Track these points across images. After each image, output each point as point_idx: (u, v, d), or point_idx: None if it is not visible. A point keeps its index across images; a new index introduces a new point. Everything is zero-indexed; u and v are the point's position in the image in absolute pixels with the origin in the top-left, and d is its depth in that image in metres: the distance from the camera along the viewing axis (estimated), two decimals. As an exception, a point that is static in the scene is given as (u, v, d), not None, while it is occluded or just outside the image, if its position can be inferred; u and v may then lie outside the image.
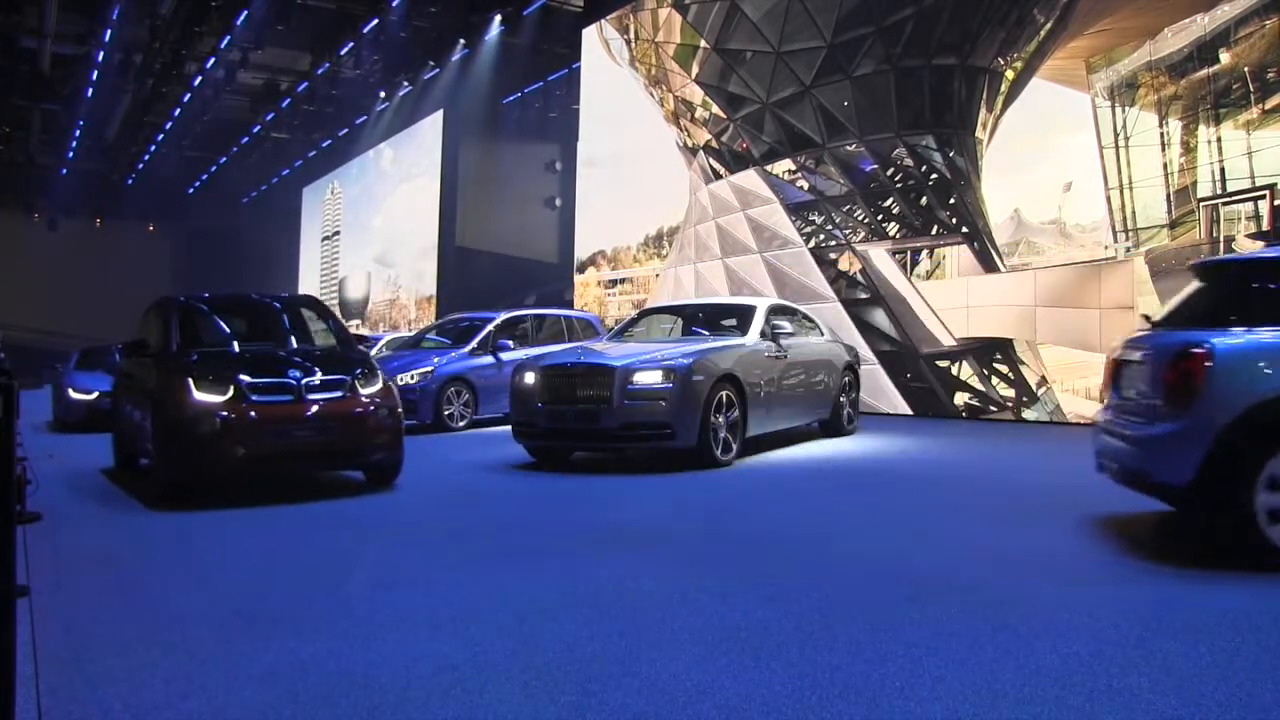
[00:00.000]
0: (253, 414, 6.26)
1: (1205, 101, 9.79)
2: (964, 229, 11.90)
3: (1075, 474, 7.52)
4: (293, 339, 7.71)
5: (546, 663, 3.03)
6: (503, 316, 12.73)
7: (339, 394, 6.57)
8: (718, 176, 15.32)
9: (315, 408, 6.43)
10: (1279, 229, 9.17)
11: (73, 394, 12.68)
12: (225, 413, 6.19)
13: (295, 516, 6.00)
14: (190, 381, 6.30)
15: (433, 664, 3.04)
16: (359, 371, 6.79)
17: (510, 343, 12.25)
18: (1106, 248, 10.57)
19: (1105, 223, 10.60)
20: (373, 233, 28.75)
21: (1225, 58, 9.60)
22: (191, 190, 35.83)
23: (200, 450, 6.18)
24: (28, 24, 19.38)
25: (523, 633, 3.36)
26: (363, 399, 6.64)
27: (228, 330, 7.71)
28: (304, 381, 6.48)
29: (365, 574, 4.40)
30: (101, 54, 20.54)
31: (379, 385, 6.82)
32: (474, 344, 11.98)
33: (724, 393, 7.78)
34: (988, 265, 11.65)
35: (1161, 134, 10.14)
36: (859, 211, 13.16)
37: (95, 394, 12.32)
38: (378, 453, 6.74)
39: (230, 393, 6.25)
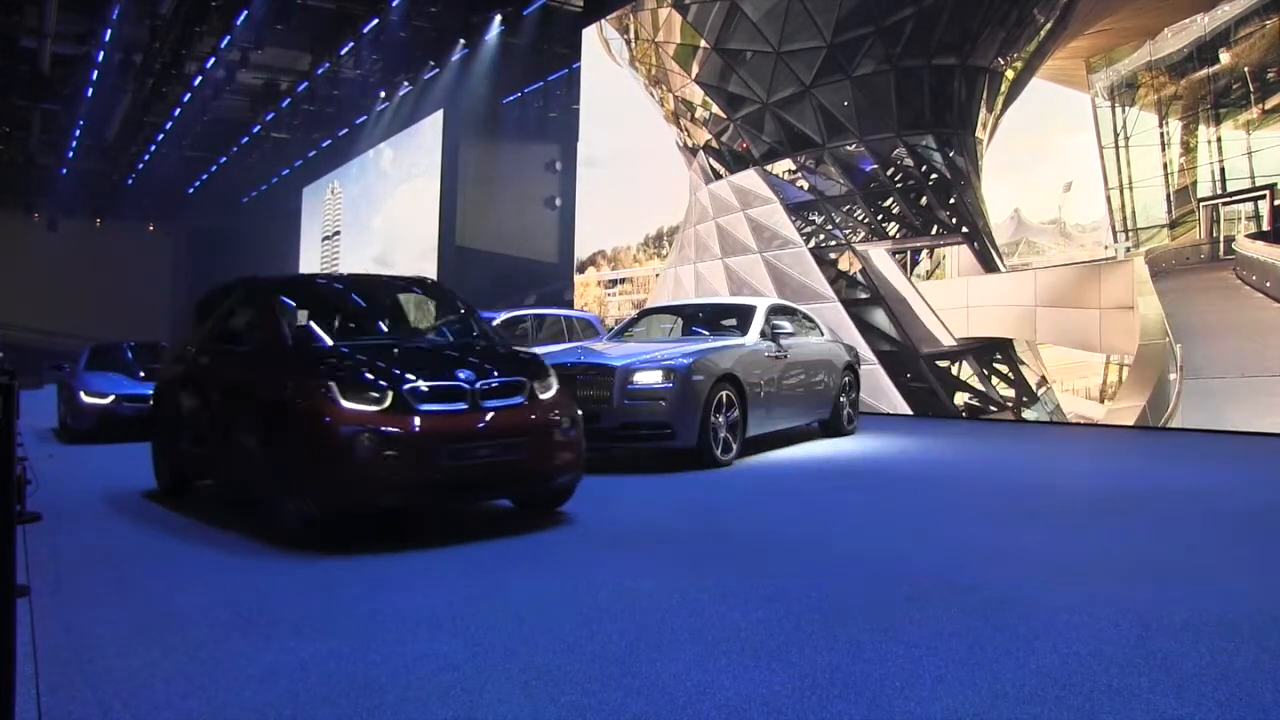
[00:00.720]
0: (421, 428, 4.84)
1: (1205, 101, 9.79)
2: (964, 229, 11.90)
3: (1075, 474, 7.53)
4: (431, 332, 6.36)
5: (546, 663, 3.03)
6: (503, 316, 12.71)
7: (519, 400, 5.23)
8: (718, 176, 15.32)
9: (494, 419, 5.07)
10: (1279, 229, 9.17)
11: (84, 398, 11.15)
12: (385, 427, 4.75)
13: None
14: (334, 386, 4.85)
15: (433, 664, 3.04)
16: (533, 371, 5.49)
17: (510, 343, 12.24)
18: (1106, 248, 10.58)
19: (1105, 223, 10.60)
20: (373, 233, 28.75)
21: (1225, 58, 9.60)
22: (191, 190, 35.82)
23: (353, 478, 4.75)
24: (28, 24, 19.37)
25: (523, 633, 3.36)
26: (544, 405, 5.34)
27: (346, 321, 6.24)
28: (478, 385, 5.10)
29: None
30: (101, 54, 20.54)
31: (556, 388, 5.53)
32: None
33: (724, 393, 7.78)
34: (988, 265, 11.66)
35: (1161, 134, 10.15)
36: (859, 211, 13.16)
37: (110, 398, 11.05)
38: (564, 474, 5.39)
39: (389, 400, 4.84)
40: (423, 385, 4.94)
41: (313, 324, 5.88)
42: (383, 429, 4.74)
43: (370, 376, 4.93)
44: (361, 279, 7.42)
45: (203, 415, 6.10)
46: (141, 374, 11.33)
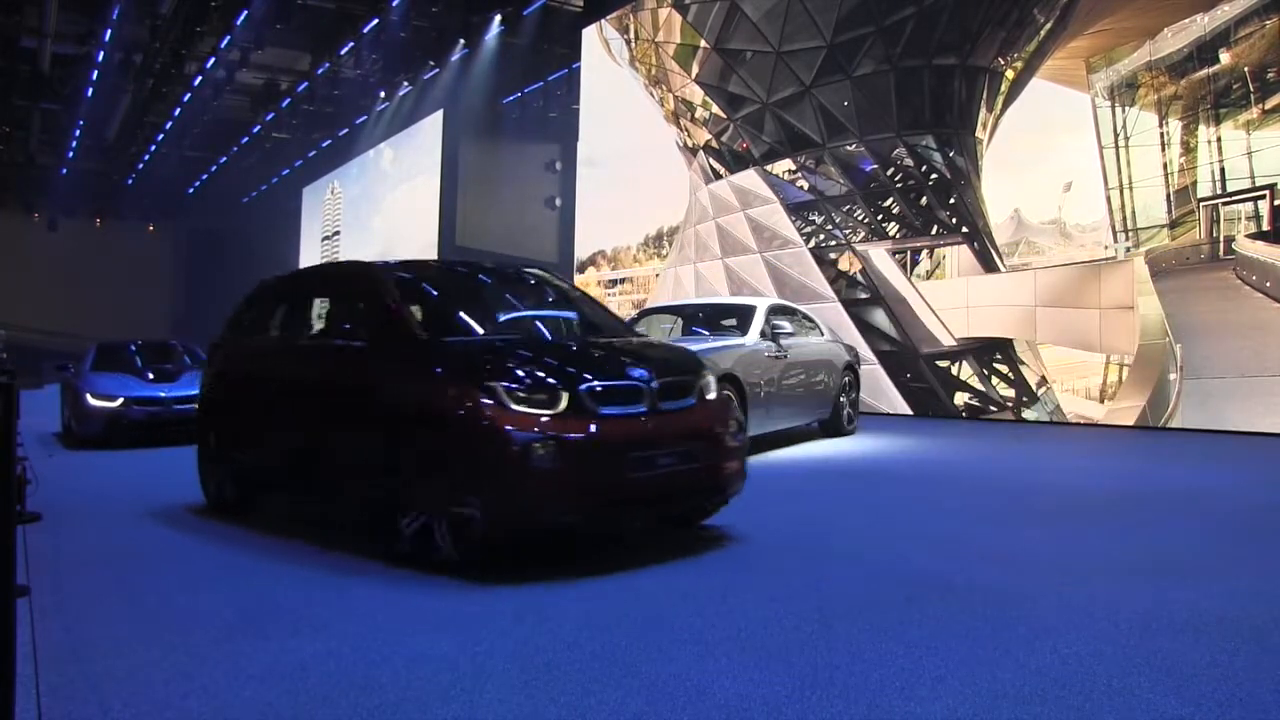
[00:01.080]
0: (602, 434, 4.21)
1: (1205, 101, 9.79)
2: (964, 229, 11.90)
3: (1075, 474, 7.53)
4: (567, 325, 5.62)
5: (546, 663, 3.03)
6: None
7: (691, 401, 4.65)
8: (718, 176, 15.32)
9: (674, 422, 4.48)
10: (1279, 229, 9.17)
11: (91, 401, 10.37)
12: (563, 433, 4.11)
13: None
14: (500, 388, 4.18)
15: (433, 664, 3.04)
16: (698, 367, 4.92)
17: None
18: (1106, 248, 10.58)
19: (1105, 223, 10.60)
20: (373, 233, 28.74)
21: (1225, 58, 9.60)
22: (191, 190, 35.82)
23: (527, 493, 4.11)
24: (28, 24, 19.37)
25: (523, 633, 3.36)
26: (714, 407, 4.80)
27: (470, 312, 5.31)
28: (655, 384, 4.47)
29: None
30: (101, 54, 20.54)
31: (716, 387, 4.97)
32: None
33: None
34: (988, 265, 11.65)
35: (1161, 134, 10.15)
36: (859, 211, 13.16)
37: (119, 400, 10.33)
38: (733, 485, 4.78)
39: (563, 402, 4.21)
40: (598, 385, 4.31)
41: (460, 315, 5.21)
42: (560, 435, 4.08)
43: (541, 375, 4.26)
44: (475, 266, 6.41)
45: (282, 421, 5.45)
46: (150, 374, 10.87)
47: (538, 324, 5.56)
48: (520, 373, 4.27)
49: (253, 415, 5.79)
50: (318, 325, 5.70)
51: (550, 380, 4.25)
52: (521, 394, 4.17)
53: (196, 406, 6.67)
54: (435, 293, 5.48)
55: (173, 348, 12.46)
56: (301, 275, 6.14)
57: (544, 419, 4.12)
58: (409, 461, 4.38)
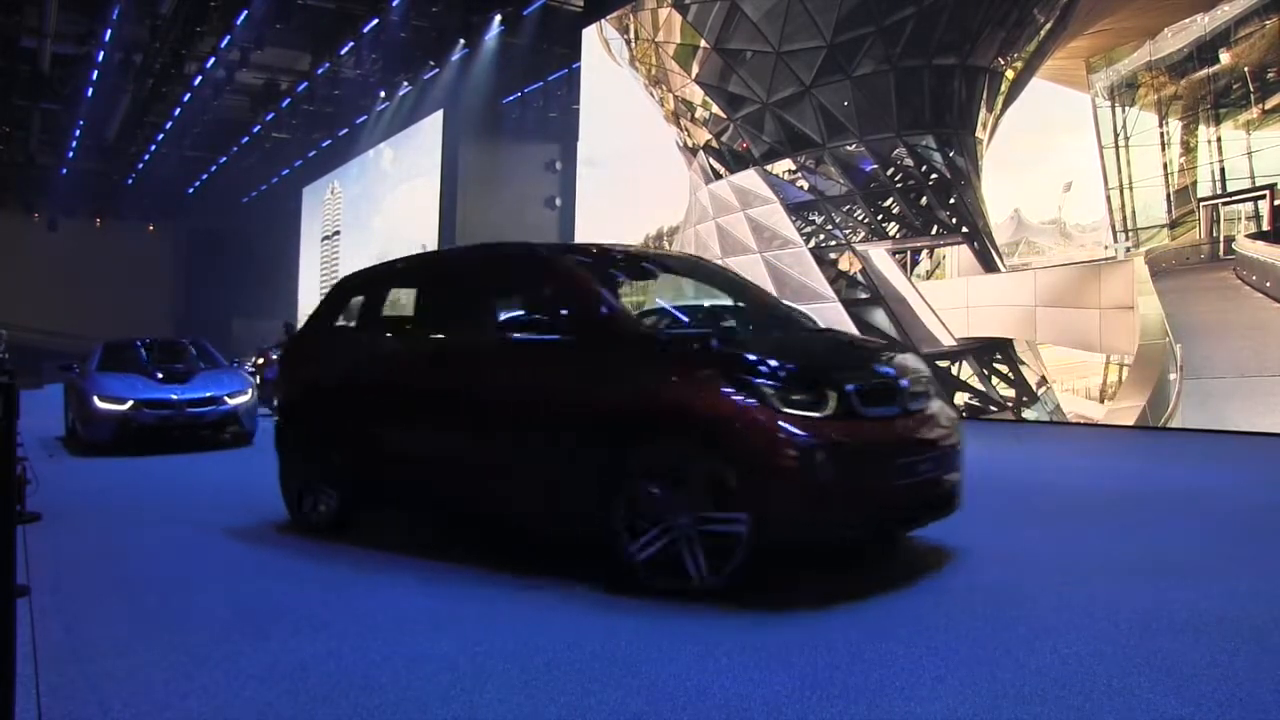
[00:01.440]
0: (873, 438, 3.82)
1: (1205, 101, 9.79)
2: (964, 229, 11.90)
3: (1075, 474, 7.52)
4: (760, 318, 5.03)
5: (546, 663, 3.03)
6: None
7: (930, 403, 4.21)
8: (718, 176, 15.32)
9: (924, 426, 4.07)
10: (1279, 229, 9.17)
11: (99, 403, 9.66)
12: (840, 436, 3.70)
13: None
14: (767, 388, 3.71)
15: (433, 664, 3.04)
16: (926, 368, 4.53)
17: None
18: (1106, 248, 10.58)
19: (1105, 223, 10.60)
20: (373, 233, 28.73)
21: (1225, 58, 9.60)
22: (191, 190, 35.82)
23: (811, 503, 3.66)
24: (28, 24, 19.37)
25: (523, 633, 3.36)
26: (947, 410, 4.38)
27: (676, 305, 4.86)
28: (905, 384, 4.08)
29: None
30: (101, 54, 20.53)
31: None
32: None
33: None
34: (988, 265, 11.65)
35: (1161, 134, 10.15)
36: (859, 211, 13.16)
37: (128, 403, 9.63)
38: (961, 495, 4.30)
39: (833, 403, 3.76)
40: (863, 384, 3.89)
41: (669, 307, 4.68)
42: (839, 439, 3.68)
43: (809, 374, 3.83)
44: (637, 253, 5.55)
45: (424, 428, 4.77)
46: (160, 375, 10.21)
47: (739, 316, 4.91)
48: (785, 372, 3.77)
49: (374, 422, 5.00)
50: (465, 318, 4.93)
51: (817, 380, 3.80)
52: (791, 395, 3.71)
53: (261, 413, 5.81)
54: (631, 282, 4.85)
55: (183, 347, 11.90)
56: (434, 262, 5.39)
57: (819, 422, 3.68)
58: (642, 474, 3.80)
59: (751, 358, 3.83)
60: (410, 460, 4.87)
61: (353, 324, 5.56)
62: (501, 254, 5.12)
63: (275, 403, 6.19)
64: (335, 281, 6.23)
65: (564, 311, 4.35)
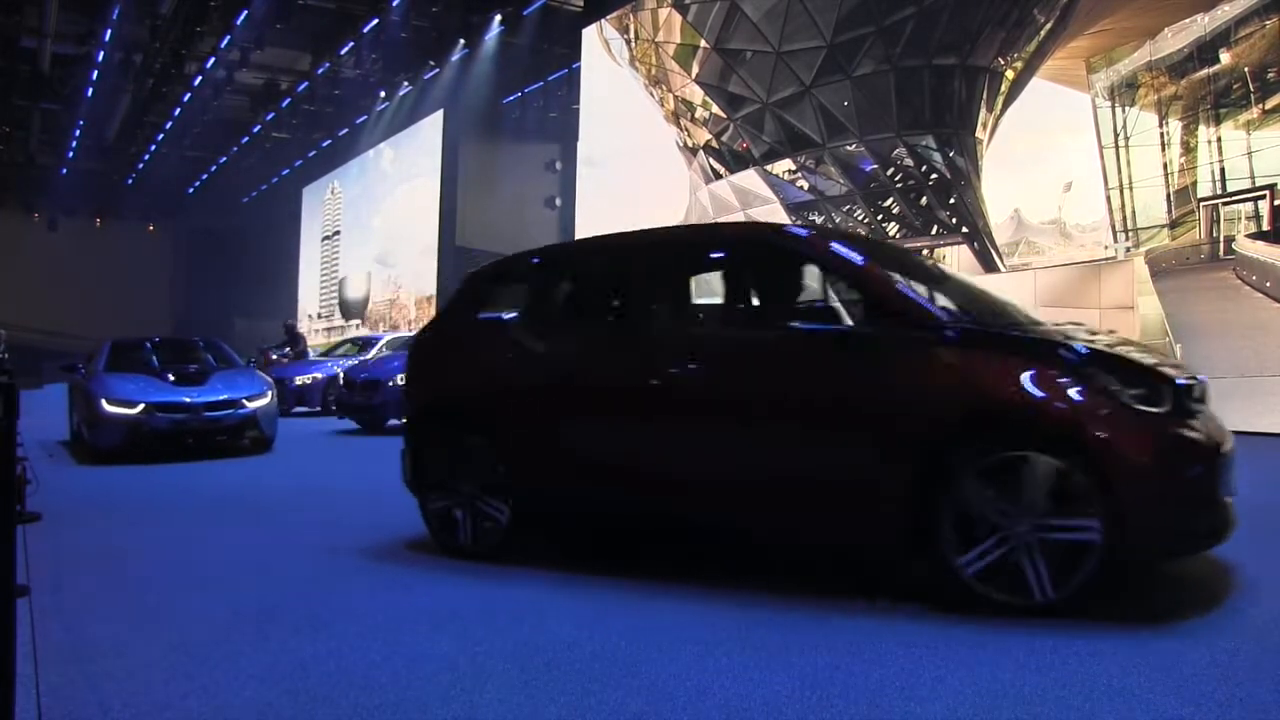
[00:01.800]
0: (1206, 437, 3.60)
1: (1205, 101, 9.79)
2: (964, 229, 11.90)
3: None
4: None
5: (546, 662, 3.03)
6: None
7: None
8: (718, 176, 15.32)
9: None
10: (1279, 229, 9.17)
11: (107, 407, 8.99)
12: (1189, 435, 3.49)
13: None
14: (1113, 384, 3.46)
15: (433, 664, 3.04)
16: None
17: None
18: (1106, 248, 10.58)
19: (1105, 223, 10.60)
20: (373, 233, 28.74)
21: (1225, 58, 9.60)
22: (191, 190, 35.83)
23: (1175, 507, 3.43)
24: (28, 24, 19.38)
25: (523, 633, 3.36)
26: None
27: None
28: (1180, 381, 3.66)
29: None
30: (101, 54, 20.54)
31: None
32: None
33: None
34: (988, 265, 11.65)
35: (1161, 134, 10.15)
36: (859, 211, 13.17)
37: (139, 407, 8.99)
38: None
39: (1169, 401, 3.52)
40: (1185, 381, 3.61)
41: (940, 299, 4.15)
42: (1190, 438, 3.46)
43: (1147, 369, 3.57)
44: (856, 235, 5.08)
45: (640, 433, 4.20)
46: (171, 376, 9.61)
47: (984, 306, 4.29)
48: (1125, 366, 3.53)
49: (584, 426, 4.41)
50: (713, 308, 4.51)
51: (1153, 377, 3.52)
52: (1134, 391, 3.44)
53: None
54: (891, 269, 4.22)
55: (195, 346, 11.26)
56: (648, 246, 4.70)
57: (1166, 420, 3.43)
58: (976, 477, 3.45)
59: (1084, 350, 3.52)
60: (618, 473, 4.29)
61: (524, 316, 4.97)
62: (749, 238, 4.76)
63: (409, 407, 5.20)
64: (472, 271, 5.49)
65: (855, 299, 3.94)
